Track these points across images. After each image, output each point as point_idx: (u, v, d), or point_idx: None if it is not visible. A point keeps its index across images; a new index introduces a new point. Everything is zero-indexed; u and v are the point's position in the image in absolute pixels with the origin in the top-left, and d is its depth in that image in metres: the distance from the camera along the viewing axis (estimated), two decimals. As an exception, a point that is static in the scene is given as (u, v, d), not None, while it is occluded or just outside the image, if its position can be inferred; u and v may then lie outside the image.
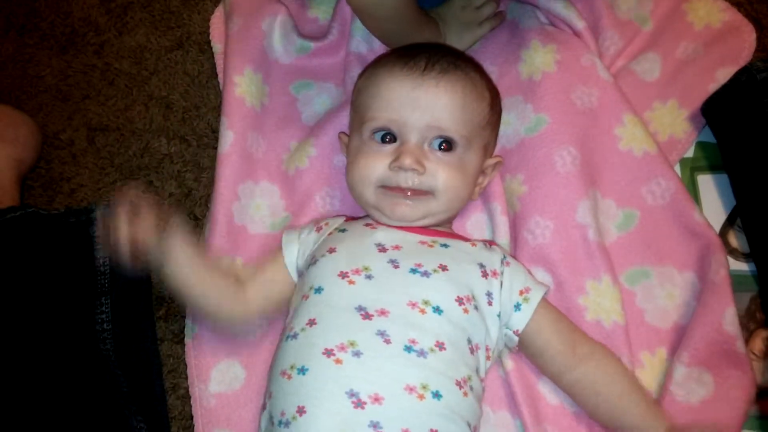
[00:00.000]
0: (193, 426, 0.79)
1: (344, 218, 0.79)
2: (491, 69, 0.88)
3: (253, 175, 0.87)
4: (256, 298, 0.75)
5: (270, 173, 0.88)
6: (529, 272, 0.75)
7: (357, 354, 0.64)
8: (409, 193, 0.71)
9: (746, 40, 0.88)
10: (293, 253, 0.76)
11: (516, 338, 0.71)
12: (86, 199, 0.91)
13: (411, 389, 0.63)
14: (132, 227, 0.65)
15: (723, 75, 0.85)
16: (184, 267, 0.70)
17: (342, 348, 0.64)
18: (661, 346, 0.76)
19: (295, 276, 0.76)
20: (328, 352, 0.64)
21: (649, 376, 0.74)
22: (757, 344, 0.76)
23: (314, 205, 0.85)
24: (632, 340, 0.75)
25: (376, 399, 0.62)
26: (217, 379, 0.79)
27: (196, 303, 0.74)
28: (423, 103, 0.71)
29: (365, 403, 0.62)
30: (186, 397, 0.80)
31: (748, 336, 0.76)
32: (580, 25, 0.88)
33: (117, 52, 0.98)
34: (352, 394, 0.62)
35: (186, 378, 0.80)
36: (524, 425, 0.73)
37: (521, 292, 0.71)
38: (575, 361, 0.70)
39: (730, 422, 0.71)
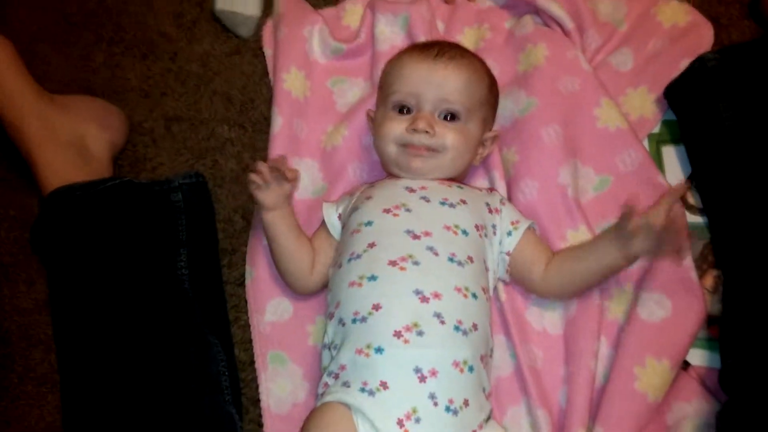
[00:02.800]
0: (252, 347, 0.95)
1: (368, 185, 0.96)
2: (494, 66, 1.02)
3: (297, 152, 1.04)
4: (318, 268, 0.90)
5: (311, 151, 1.05)
6: (520, 212, 0.92)
7: (416, 263, 0.79)
8: (423, 151, 0.88)
9: (705, 36, 1.03)
10: (333, 217, 0.92)
11: (507, 258, 0.87)
12: (165, 174, 1.08)
13: (458, 289, 0.79)
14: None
15: (685, 65, 0.98)
16: (288, 226, 0.89)
17: (403, 259, 0.80)
18: (629, 281, 0.91)
19: (336, 235, 0.91)
20: (392, 263, 0.79)
21: (616, 304, 0.90)
22: (708, 281, 0.91)
23: (347, 175, 1.02)
24: None
25: (437, 295, 0.77)
26: (271, 311, 0.95)
27: (281, 257, 0.90)
28: (435, 81, 0.88)
29: (429, 298, 0.77)
30: (246, 326, 0.97)
31: (701, 275, 0.91)
32: (570, 25, 1.04)
33: (187, 57, 1.16)
34: (418, 292, 0.77)
35: (245, 312, 0.97)
36: (514, 345, 0.89)
37: (512, 223, 0.88)
38: (546, 263, 0.86)
39: (683, 339, 0.85)
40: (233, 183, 1.08)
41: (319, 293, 0.93)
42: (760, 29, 1.05)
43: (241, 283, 1.00)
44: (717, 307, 0.89)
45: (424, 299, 0.77)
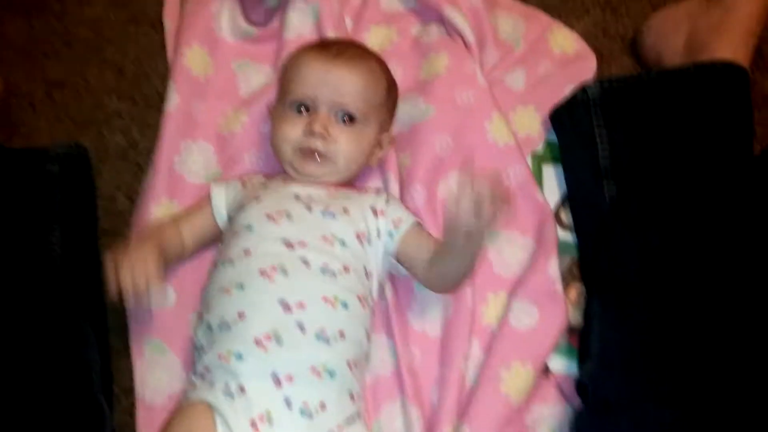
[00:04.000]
0: (127, 335, 0.93)
1: (263, 175, 0.97)
2: (396, 70, 1.04)
3: (192, 134, 1.02)
4: (190, 241, 0.92)
5: (207, 134, 1.03)
6: (406, 208, 0.94)
7: (285, 273, 0.81)
8: (316, 155, 0.89)
9: (590, 66, 1.11)
10: (221, 202, 0.92)
11: (392, 259, 0.90)
12: (42, 143, 1.01)
13: (326, 299, 0.81)
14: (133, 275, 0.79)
15: (570, 90, 1.05)
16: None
17: (273, 269, 0.81)
18: (503, 289, 0.96)
19: (221, 221, 0.92)
20: (262, 272, 0.81)
21: (491, 310, 0.95)
22: (572, 293, 0.98)
23: (243, 163, 1.01)
24: (481, 283, 0.95)
25: (301, 305, 0.80)
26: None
27: None
28: (332, 82, 0.89)
29: (292, 307, 0.80)
30: (121, 313, 0.93)
31: (566, 287, 0.98)
32: (471, 38, 1.08)
33: (77, 20, 1.10)
34: (282, 301, 0.80)
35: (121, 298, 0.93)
36: (395, 344, 0.92)
37: (394, 222, 0.90)
38: (430, 255, 0.88)
39: (546, 346, 0.92)
40: (118, 159, 1.04)
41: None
42: (637, 66, 1.14)
43: (121, 266, 0.96)
44: (577, 318, 0.97)
45: (287, 308, 0.80)
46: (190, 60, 1.05)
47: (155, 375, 0.91)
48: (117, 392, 0.92)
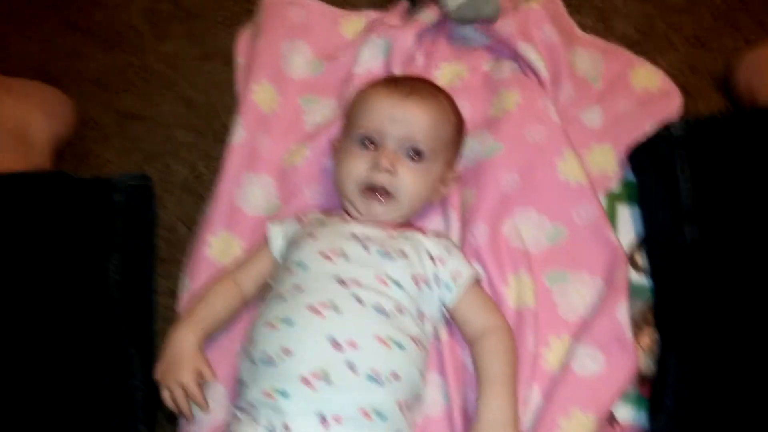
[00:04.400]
0: (177, 364, 0.92)
1: (320, 212, 0.94)
2: (465, 106, 1.02)
3: (255, 167, 1.01)
4: (250, 288, 0.89)
5: (269, 168, 1.02)
6: (466, 259, 0.90)
7: (336, 309, 0.78)
8: (380, 194, 0.86)
9: (675, 104, 1.04)
10: (278, 242, 0.90)
11: (446, 312, 0.86)
12: (111, 173, 1.02)
13: (380, 339, 0.77)
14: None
15: (651, 128, 0.99)
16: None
17: (324, 305, 0.78)
18: (568, 333, 0.89)
19: (279, 259, 0.90)
20: (312, 309, 0.78)
21: (554, 355, 0.88)
22: (645, 340, 0.90)
23: (303, 197, 0.99)
24: (544, 326, 0.89)
25: (352, 344, 0.76)
26: None
27: None
28: (401, 119, 0.87)
29: (342, 346, 0.76)
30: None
31: (638, 333, 0.90)
32: (545, 74, 1.04)
33: (154, 55, 1.14)
34: (331, 339, 0.76)
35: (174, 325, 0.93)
36: (447, 385, 0.86)
37: (453, 276, 0.86)
38: (480, 332, 0.84)
39: (611, 395, 0.85)
40: (183, 190, 1.05)
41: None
42: (728, 103, 1.06)
43: (174, 295, 0.96)
44: (650, 366, 0.89)
45: (338, 346, 0.76)
46: (258, 95, 1.06)
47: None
48: (161, 420, 0.90)
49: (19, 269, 0.86)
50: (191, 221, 1.02)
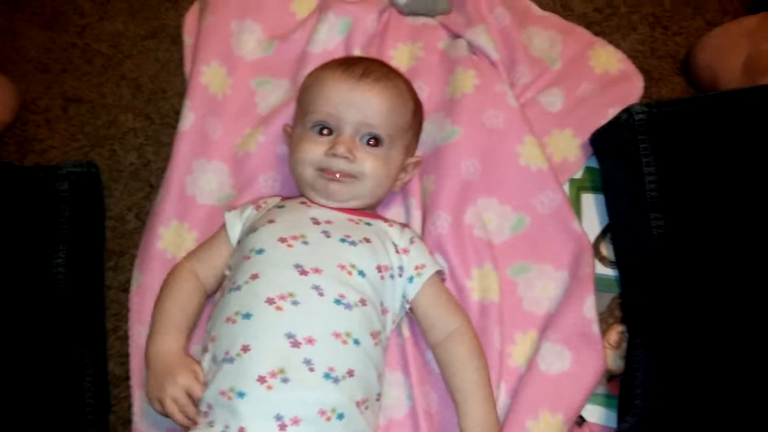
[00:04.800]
0: (129, 362, 0.87)
1: (280, 198, 0.91)
2: (423, 87, 1.00)
3: (206, 153, 0.97)
4: (211, 281, 0.86)
5: (222, 154, 0.98)
6: (431, 252, 0.88)
7: (295, 303, 0.75)
8: (338, 176, 0.83)
9: (635, 87, 1.02)
10: (236, 231, 0.87)
11: (407, 306, 0.84)
12: (55, 160, 0.99)
13: (337, 335, 0.75)
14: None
15: (613, 113, 0.96)
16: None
17: (282, 297, 0.75)
18: (534, 328, 0.88)
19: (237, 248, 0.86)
20: (270, 301, 0.75)
21: (519, 351, 0.87)
22: (612, 336, 0.89)
23: (257, 185, 0.96)
24: (509, 322, 0.88)
25: (310, 341, 0.74)
26: None
27: None
28: (357, 103, 0.83)
29: (301, 343, 0.73)
30: (124, 338, 0.89)
31: (606, 329, 0.89)
32: (495, 56, 1.01)
33: (97, 35, 1.08)
34: (290, 335, 0.73)
35: (126, 322, 0.89)
36: (411, 385, 0.85)
37: (416, 268, 0.84)
38: (443, 336, 0.83)
39: (579, 394, 0.83)
40: (131, 178, 1.01)
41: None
42: (690, 87, 1.05)
43: (126, 290, 0.92)
44: (618, 364, 0.88)
45: (296, 344, 0.74)
46: (208, 78, 1.01)
47: (155, 407, 0.85)
48: (113, 422, 0.87)
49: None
50: (141, 211, 0.98)
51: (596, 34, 1.08)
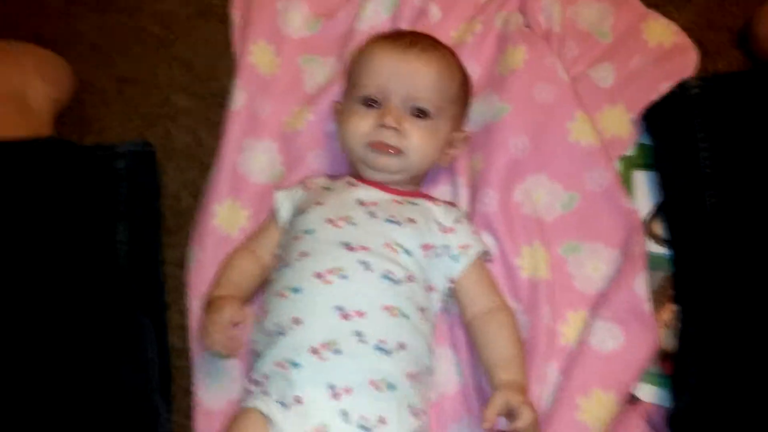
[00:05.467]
0: (187, 335, 0.90)
1: (327, 177, 0.92)
2: (475, 67, 0.99)
3: (256, 132, 0.98)
4: (267, 259, 0.87)
5: (271, 133, 0.99)
6: (477, 233, 0.89)
7: (344, 277, 0.77)
8: (390, 151, 0.84)
9: (690, 61, 1.00)
10: (285, 210, 0.89)
11: (450, 284, 0.84)
12: (112, 139, 1.01)
13: (387, 308, 0.76)
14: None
15: (666, 88, 0.95)
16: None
17: (330, 272, 0.77)
18: (584, 307, 0.87)
19: (287, 228, 0.87)
20: (319, 275, 0.77)
21: (570, 329, 0.86)
22: (665, 315, 0.88)
23: (306, 162, 0.97)
24: (560, 300, 0.87)
25: (359, 313, 0.75)
26: None
27: None
28: (404, 74, 0.84)
29: (351, 315, 0.75)
30: (182, 312, 0.91)
31: (659, 308, 0.88)
32: (557, 29, 0.99)
33: (149, 15, 1.09)
34: (339, 308, 0.75)
35: (183, 296, 0.92)
36: (460, 360, 0.86)
37: (461, 247, 0.84)
38: (479, 313, 0.83)
39: (632, 372, 0.83)
40: (184, 157, 1.02)
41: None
42: (748, 61, 1.02)
43: (181, 265, 0.94)
44: (671, 343, 0.87)
45: (345, 316, 0.75)
46: (256, 57, 1.02)
47: (215, 378, 0.88)
48: (176, 392, 0.89)
49: (23, 240, 0.84)
50: (195, 189, 1.00)
51: (649, 6, 1.05)
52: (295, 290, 0.78)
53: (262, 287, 0.87)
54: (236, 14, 1.08)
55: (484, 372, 0.82)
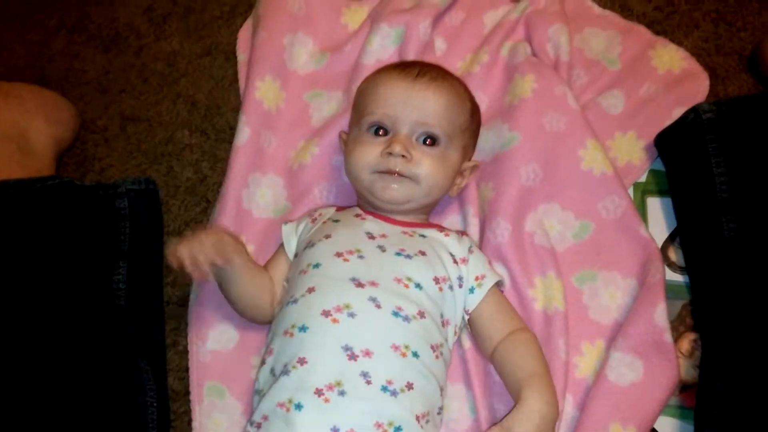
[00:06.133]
0: (188, 377, 0.87)
1: (335, 208, 0.90)
2: (482, 97, 0.99)
3: (262, 167, 0.97)
4: (279, 289, 0.84)
5: (276, 167, 0.98)
6: (490, 262, 0.86)
7: (351, 315, 0.74)
8: (396, 175, 0.81)
9: (701, 86, 0.99)
10: (293, 245, 0.86)
11: (466, 317, 0.82)
12: (114, 178, 1.01)
13: (396, 347, 0.73)
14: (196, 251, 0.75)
15: (678, 113, 0.93)
16: (245, 273, 0.80)
17: (338, 309, 0.74)
18: (601, 338, 0.84)
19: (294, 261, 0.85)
20: (326, 313, 0.74)
21: (587, 362, 0.83)
22: (684, 344, 0.85)
23: (312, 196, 0.95)
24: (575, 331, 0.84)
25: (367, 353, 0.72)
26: (214, 339, 0.88)
27: (238, 301, 0.83)
28: (413, 102, 0.82)
29: (358, 356, 0.72)
30: (184, 353, 0.89)
31: (677, 337, 0.85)
32: (565, 58, 0.98)
33: (154, 54, 1.10)
34: (347, 348, 0.72)
35: (185, 336, 0.89)
36: (474, 397, 0.82)
37: (476, 278, 0.81)
38: (502, 338, 0.79)
39: (652, 406, 0.79)
40: (188, 193, 1.01)
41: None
42: (758, 84, 1.00)
43: (184, 304, 0.92)
44: (692, 373, 0.84)
45: (353, 356, 0.72)
46: (262, 93, 1.01)
47: (213, 420, 0.85)
48: (175, 438, 0.87)
49: (21, 280, 0.82)
50: (198, 226, 0.98)
51: (657, 33, 1.04)
52: (302, 329, 0.75)
53: (253, 315, 0.84)
54: (241, 52, 1.08)
55: (513, 394, 0.77)
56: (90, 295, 0.86)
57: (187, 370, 0.88)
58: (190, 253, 0.75)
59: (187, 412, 0.87)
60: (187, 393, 0.87)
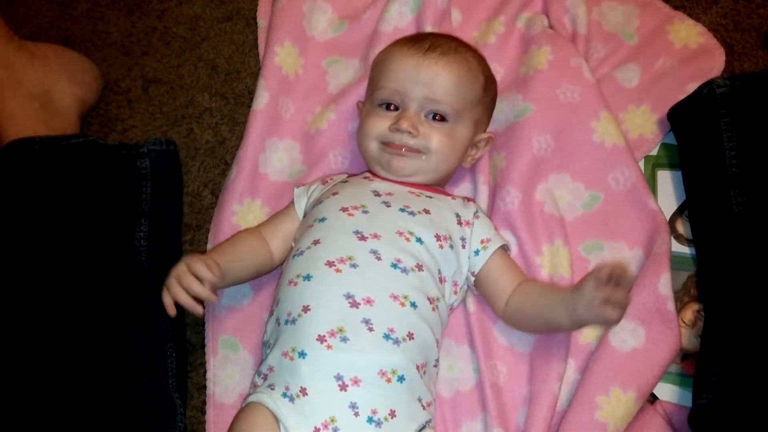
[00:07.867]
0: (204, 331, 0.90)
1: (347, 174, 0.92)
2: (498, 68, 1.00)
3: (279, 132, 0.99)
4: (279, 250, 0.87)
5: (294, 132, 1.00)
6: (495, 228, 0.88)
7: (354, 266, 0.76)
8: (403, 150, 0.84)
9: (717, 61, 0.99)
10: (302, 205, 0.89)
11: (472, 278, 0.84)
12: (136, 138, 1.03)
13: (395, 297, 0.75)
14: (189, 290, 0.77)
15: (692, 88, 0.93)
16: (227, 274, 0.81)
17: (341, 261, 0.77)
18: (606, 306, 0.87)
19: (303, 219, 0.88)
20: (330, 263, 0.77)
21: (590, 327, 0.84)
22: (688, 314, 0.87)
23: (327, 161, 0.97)
24: None
25: (368, 301, 0.75)
26: (228, 295, 0.91)
27: (239, 281, 0.86)
28: (422, 78, 0.83)
29: (359, 303, 0.74)
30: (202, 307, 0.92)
31: (681, 307, 0.87)
32: (583, 30, 0.99)
33: (176, 18, 1.11)
34: (348, 296, 0.75)
35: (202, 293, 0.94)
36: (478, 358, 0.85)
37: (482, 242, 0.83)
38: (512, 292, 0.82)
39: (652, 371, 0.81)
40: (207, 155, 1.03)
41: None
42: (775, 61, 1.01)
43: (201, 262, 0.94)
44: (693, 342, 0.86)
45: (354, 304, 0.74)
46: (281, 58, 1.03)
47: (227, 372, 0.88)
48: (190, 388, 0.90)
49: (47, 231, 0.85)
50: (216, 187, 1.01)
51: (676, 8, 1.05)
52: (306, 278, 0.77)
53: (264, 274, 0.87)
54: (262, 18, 1.09)
55: (552, 329, 0.81)
56: (112, 251, 0.89)
57: (203, 324, 0.91)
58: (175, 298, 0.77)
59: (203, 364, 0.90)
60: (203, 346, 0.90)
